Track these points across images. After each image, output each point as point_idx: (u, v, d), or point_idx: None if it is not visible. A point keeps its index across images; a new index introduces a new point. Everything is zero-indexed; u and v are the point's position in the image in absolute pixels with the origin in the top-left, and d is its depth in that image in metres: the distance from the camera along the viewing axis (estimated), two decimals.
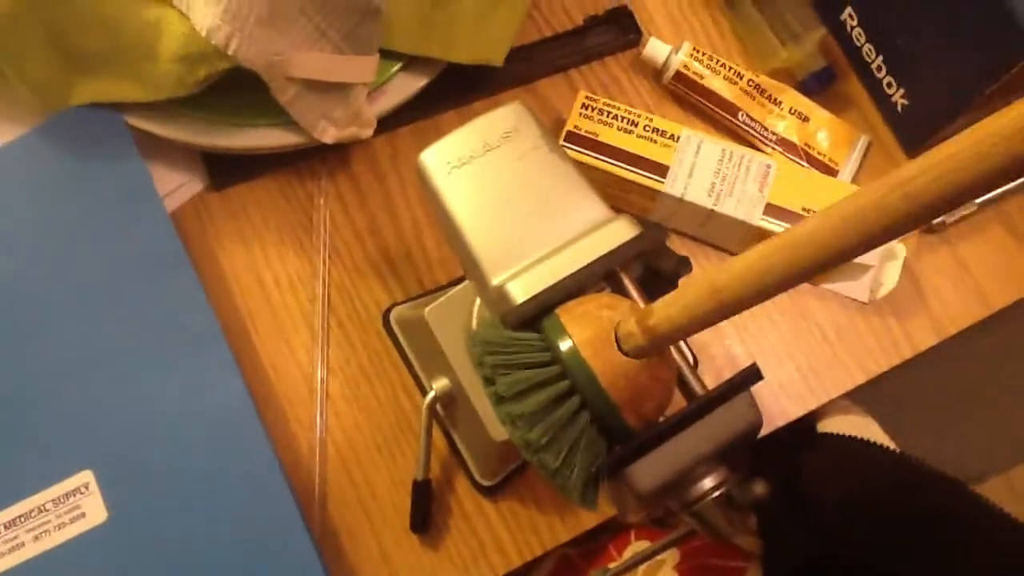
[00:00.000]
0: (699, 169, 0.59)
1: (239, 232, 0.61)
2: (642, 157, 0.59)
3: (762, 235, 0.58)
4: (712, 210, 0.58)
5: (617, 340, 0.37)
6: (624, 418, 0.37)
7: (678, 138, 0.59)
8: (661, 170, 0.59)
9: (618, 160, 0.59)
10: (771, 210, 0.58)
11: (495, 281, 0.41)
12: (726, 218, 0.59)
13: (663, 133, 0.60)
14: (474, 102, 0.64)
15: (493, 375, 0.38)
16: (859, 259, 0.59)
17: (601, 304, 0.39)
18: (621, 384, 0.37)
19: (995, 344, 0.69)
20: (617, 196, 0.61)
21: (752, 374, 0.39)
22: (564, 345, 0.37)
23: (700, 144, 0.59)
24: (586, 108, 0.60)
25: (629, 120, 0.60)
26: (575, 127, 0.60)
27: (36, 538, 0.51)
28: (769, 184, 0.59)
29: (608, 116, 0.60)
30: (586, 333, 0.37)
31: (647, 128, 0.60)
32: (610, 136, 0.60)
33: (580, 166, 0.59)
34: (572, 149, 0.59)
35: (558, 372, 0.37)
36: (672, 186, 0.59)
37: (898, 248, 0.61)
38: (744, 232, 0.59)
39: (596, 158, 0.59)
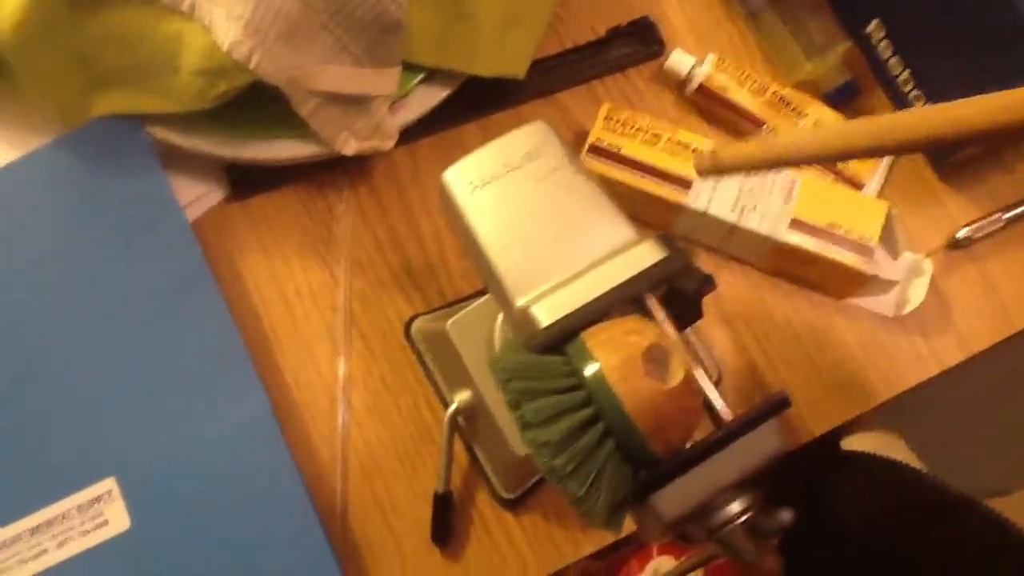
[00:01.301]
0: (723, 183, 0.59)
1: (260, 243, 0.61)
2: (665, 170, 0.59)
3: (787, 250, 0.58)
4: (735, 225, 0.58)
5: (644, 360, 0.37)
6: (650, 446, 0.37)
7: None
8: (684, 184, 0.59)
9: (641, 173, 0.59)
10: (796, 225, 0.58)
11: (519, 303, 0.41)
12: (750, 233, 0.58)
13: (687, 146, 0.59)
14: (496, 114, 0.64)
15: (519, 400, 0.37)
16: (885, 275, 0.59)
17: (627, 329, 0.38)
18: (648, 412, 0.37)
19: (1021, 356, 0.68)
20: (640, 209, 0.60)
21: (780, 402, 0.39)
22: (590, 371, 0.37)
23: None
24: (609, 120, 0.60)
25: (653, 133, 0.60)
26: (598, 139, 0.60)
27: (60, 544, 0.52)
28: (794, 198, 0.58)
29: (632, 128, 0.60)
30: (612, 359, 0.37)
31: (671, 141, 0.59)
32: (633, 149, 0.59)
33: (603, 179, 0.59)
34: (595, 161, 0.59)
35: (583, 398, 0.37)
36: (695, 200, 0.58)
37: (925, 264, 0.60)
38: (768, 247, 0.59)
39: (619, 171, 0.59)
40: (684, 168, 0.59)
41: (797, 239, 0.58)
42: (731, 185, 0.58)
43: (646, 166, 0.59)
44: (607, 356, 0.37)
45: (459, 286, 0.61)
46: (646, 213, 0.61)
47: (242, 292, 0.60)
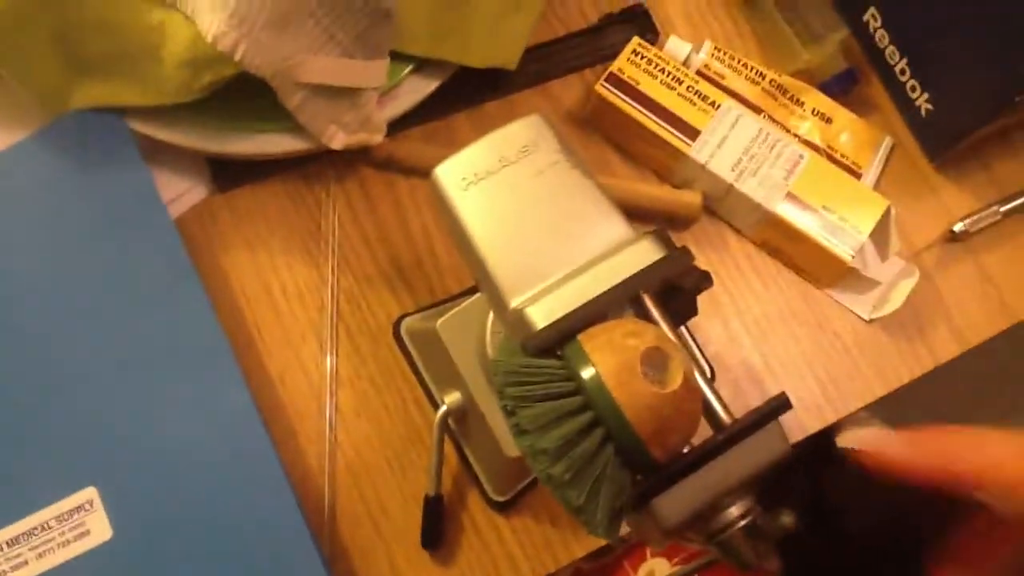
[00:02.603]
0: (730, 142, 0.58)
1: (245, 239, 0.59)
2: (677, 116, 0.59)
3: (776, 222, 0.57)
4: (731, 186, 0.58)
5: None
6: (650, 451, 0.36)
7: (719, 106, 0.59)
8: (692, 133, 0.58)
9: (652, 113, 0.59)
10: (792, 200, 0.58)
11: (513, 304, 0.39)
12: (744, 197, 0.58)
13: (705, 98, 0.59)
14: (486, 104, 0.62)
15: (515, 407, 0.36)
16: (869, 273, 0.58)
17: (626, 331, 0.37)
18: (646, 416, 0.35)
19: (1016, 351, 0.68)
20: (642, 150, 0.61)
21: (780, 404, 0.38)
22: (587, 374, 0.36)
23: (739, 118, 0.59)
24: (636, 55, 0.60)
25: (675, 77, 0.60)
26: (619, 70, 0.59)
27: (40, 556, 0.50)
28: (796, 174, 0.58)
29: (655, 68, 0.60)
30: (611, 362, 0.36)
31: (690, 89, 0.59)
32: (651, 87, 0.59)
33: (613, 111, 0.59)
34: (608, 91, 0.59)
35: (581, 403, 0.36)
36: (698, 152, 0.58)
37: (912, 272, 0.59)
38: (759, 216, 0.58)
39: (631, 105, 0.59)
40: (695, 118, 0.59)
41: (788, 213, 0.57)
42: (736, 145, 0.58)
43: (659, 107, 0.59)
44: (605, 359, 0.36)
45: (449, 283, 0.60)
46: (648, 156, 0.61)
47: (227, 290, 0.59)
